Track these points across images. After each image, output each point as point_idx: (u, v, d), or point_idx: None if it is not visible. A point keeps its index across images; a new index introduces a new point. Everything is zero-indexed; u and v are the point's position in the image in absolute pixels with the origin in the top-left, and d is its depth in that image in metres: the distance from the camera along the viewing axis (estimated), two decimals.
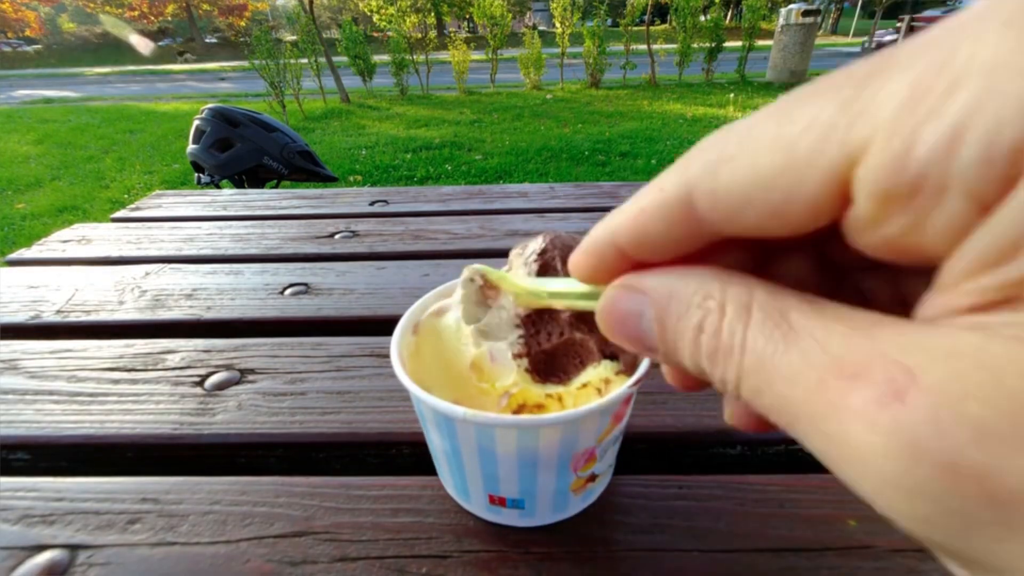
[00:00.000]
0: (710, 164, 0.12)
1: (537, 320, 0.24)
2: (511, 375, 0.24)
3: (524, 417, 0.23)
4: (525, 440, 0.23)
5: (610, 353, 0.24)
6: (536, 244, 0.24)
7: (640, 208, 0.13)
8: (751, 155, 0.11)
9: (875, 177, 0.09)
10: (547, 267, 0.24)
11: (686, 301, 0.13)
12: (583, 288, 0.17)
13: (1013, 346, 0.08)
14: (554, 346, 0.24)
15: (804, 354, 0.10)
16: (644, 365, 0.24)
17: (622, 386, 0.23)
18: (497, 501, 0.26)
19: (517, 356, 0.24)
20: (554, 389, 0.24)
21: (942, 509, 0.08)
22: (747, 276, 0.12)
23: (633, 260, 0.14)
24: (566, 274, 0.23)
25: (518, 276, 0.22)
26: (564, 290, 0.19)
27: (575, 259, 0.16)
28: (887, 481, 0.09)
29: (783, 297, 0.11)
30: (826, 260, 0.15)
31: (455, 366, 0.26)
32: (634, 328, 0.14)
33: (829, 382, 0.09)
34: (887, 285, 0.14)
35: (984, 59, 0.08)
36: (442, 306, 0.28)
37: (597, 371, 0.25)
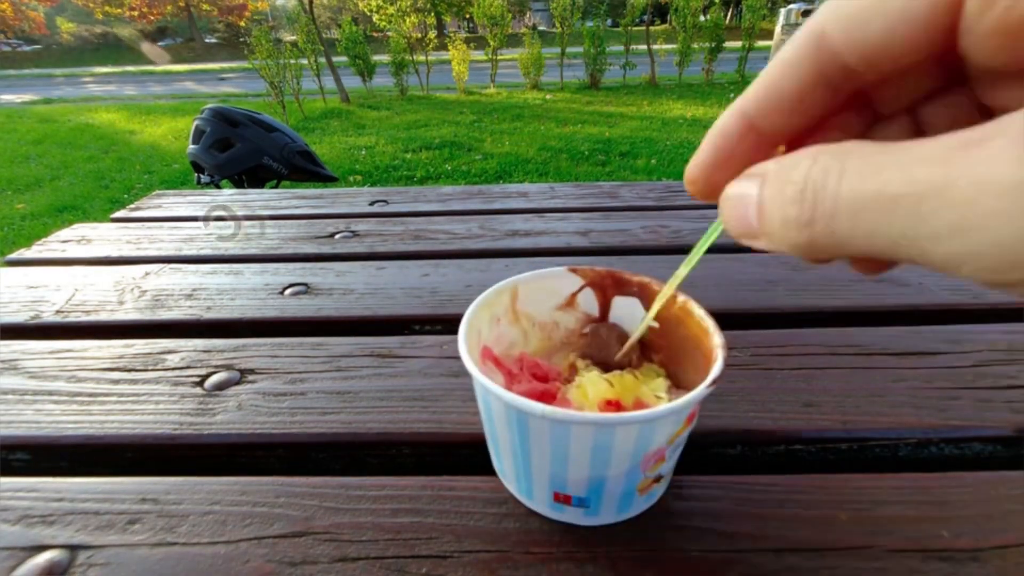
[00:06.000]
0: (836, 2, 0.13)
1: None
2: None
3: (602, 415, 0.23)
4: (600, 438, 0.23)
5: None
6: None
7: (778, 60, 0.15)
8: None
9: None
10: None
11: (787, 168, 0.14)
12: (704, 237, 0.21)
13: None
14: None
15: (919, 147, 0.11)
16: (718, 367, 0.24)
17: (699, 387, 0.23)
18: (562, 499, 0.26)
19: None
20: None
21: None
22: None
23: (759, 136, 0.16)
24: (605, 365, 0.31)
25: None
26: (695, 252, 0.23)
27: (698, 157, 0.17)
28: None
29: (877, 141, 0.12)
30: (928, 128, 0.16)
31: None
32: (743, 213, 0.15)
33: (955, 153, 0.10)
34: None
35: None
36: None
37: (651, 387, 0.28)
